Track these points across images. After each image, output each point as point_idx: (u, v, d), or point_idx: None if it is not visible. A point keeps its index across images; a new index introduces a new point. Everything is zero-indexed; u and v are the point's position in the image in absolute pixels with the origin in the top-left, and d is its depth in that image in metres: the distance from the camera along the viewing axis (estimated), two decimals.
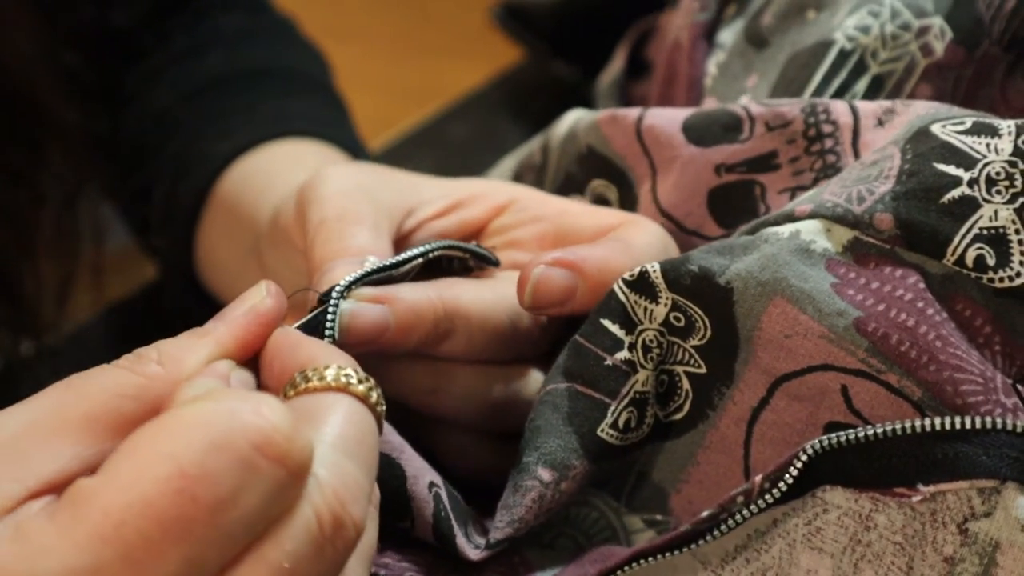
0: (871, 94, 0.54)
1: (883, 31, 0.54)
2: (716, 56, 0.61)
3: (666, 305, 0.48)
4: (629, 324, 0.48)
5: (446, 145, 0.88)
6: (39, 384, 0.68)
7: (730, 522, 0.45)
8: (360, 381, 0.41)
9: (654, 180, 0.54)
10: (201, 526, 0.35)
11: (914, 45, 0.54)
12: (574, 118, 0.58)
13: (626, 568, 0.46)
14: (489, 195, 0.53)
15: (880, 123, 0.51)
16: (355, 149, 0.70)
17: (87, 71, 0.73)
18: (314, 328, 0.46)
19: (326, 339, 0.46)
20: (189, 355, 0.41)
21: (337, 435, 0.39)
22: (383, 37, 1.39)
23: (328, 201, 0.50)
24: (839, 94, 0.54)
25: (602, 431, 0.48)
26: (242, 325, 0.43)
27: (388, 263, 0.48)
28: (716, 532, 0.45)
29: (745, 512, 0.44)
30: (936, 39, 0.53)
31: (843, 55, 0.54)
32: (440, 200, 0.53)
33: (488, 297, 0.49)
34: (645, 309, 0.49)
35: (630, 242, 0.50)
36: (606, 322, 0.48)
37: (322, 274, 0.48)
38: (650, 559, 0.46)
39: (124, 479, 0.35)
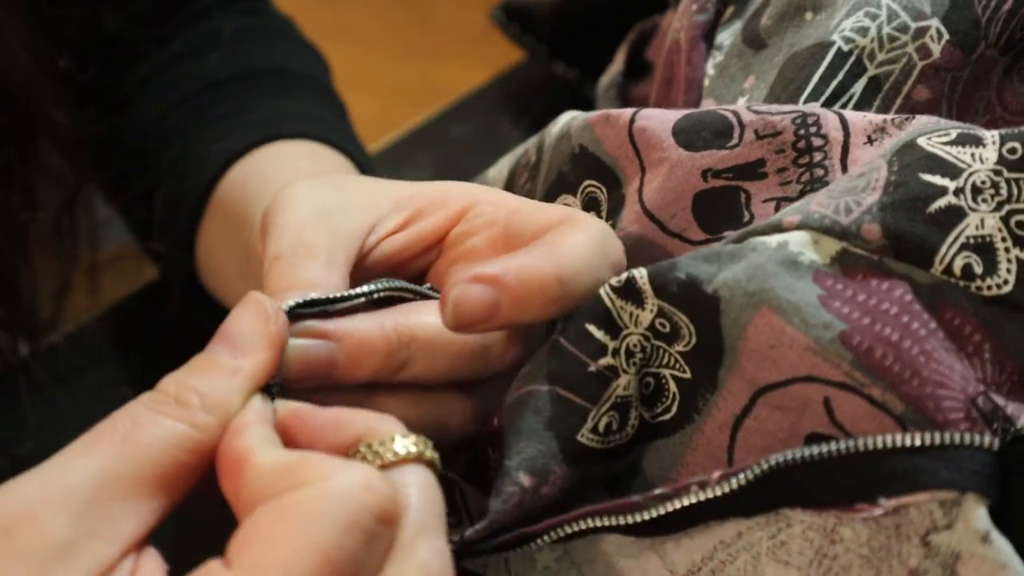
0: (868, 95, 0.54)
1: (880, 33, 0.54)
2: (714, 58, 0.61)
3: (652, 311, 0.48)
4: (614, 329, 0.48)
5: (446, 146, 0.88)
6: (38, 385, 0.68)
7: (676, 502, 0.45)
8: (424, 445, 0.43)
9: (641, 180, 0.54)
10: None
11: (911, 47, 0.54)
12: (568, 117, 0.58)
13: (575, 525, 0.47)
14: (447, 202, 0.53)
15: (870, 141, 0.51)
16: (352, 149, 0.70)
17: (81, 74, 0.73)
18: None
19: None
20: (232, 399, 0.43)
21: (424, 511, 0.41)
22: (383, 38, 1.39)
23: (284, 232, 0.50)
24: (836, 96, 0.54)
25: (582, 436, 0.48)
26: (266, 357, 0.44)
27: (327, 297, 0.48)
28: (662, 508, 0.45)
29: (692, 498, 0.45)
30: (933, 41, 0.54)
31: (840, 56, 0.54)
32: (397, 214, 0.52)
33: None
34: (631, 314, 0.49)
35: (556, 246, 0.48)
36: (591, 327, 0.48)
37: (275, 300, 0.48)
38: (600, 519, 0.47)
39: (274, 571, 0.38)
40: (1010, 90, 0.54)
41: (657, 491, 0.46)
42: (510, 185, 0.61)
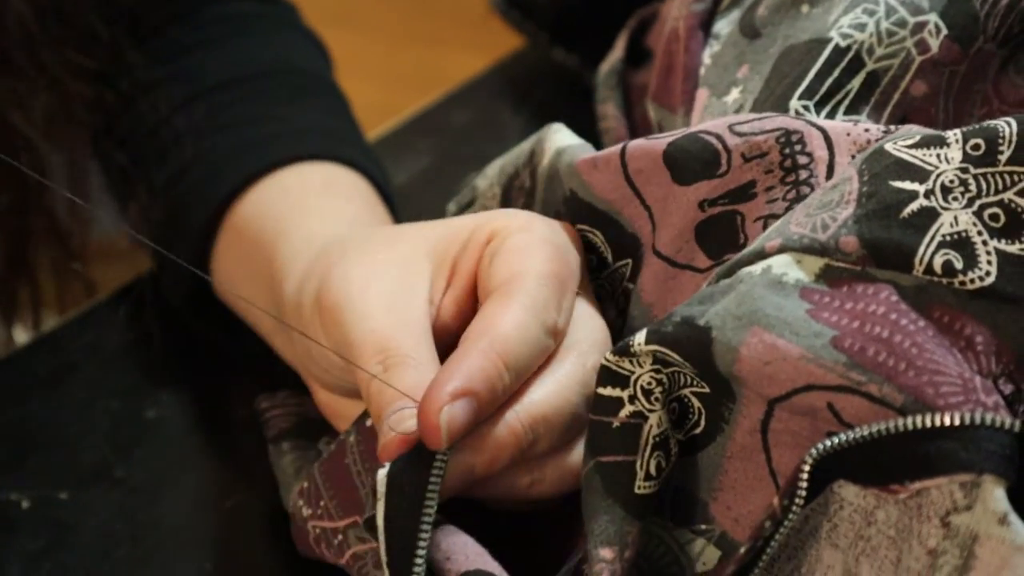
0: (866, 91, 0.54)
1: (879, 28, 0.54)
2: (711, 47, 0.61)
3: (648, 358, 0.49)
4: (621, 380, 0.49)
5: (446, 132, 0.87)
6: (34, 376, 0.68)
7: (768, 549, 0.46)
8: None
9: (653, 223, 0.54)
10: None
11: (910, 42, 0.54)
12: (555, 151, 0.58)
13: None
14: (471, 244, 0.55)
15: (853, 160, 0.51)
16: (365, 163, 0.70)
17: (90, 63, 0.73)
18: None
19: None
20: None
21: None
22: (383, 25, 1.39)
23: (364, 343, 0.53)
24: (833, 92, 0.54)
25: (639, 488, 0.49)
26: None
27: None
28: (760, 563, 0.46)
29: (778, 536, 0.45)
30: (931, 36, 0.54)
31: (838, 52, 0.54)
32: (439, 275, 0.55)
33: (554, 389, 0.52)
34: (631, 360, 0.49)
35: (494, 332, 0.51)
36: (602, 390, 0.49)
37: (387, 416, 0.51)
38: None
39: None
40: (1007, 82, 0.54)
41: (742, 550, 0.46)
42: (506, 206, 0.61)
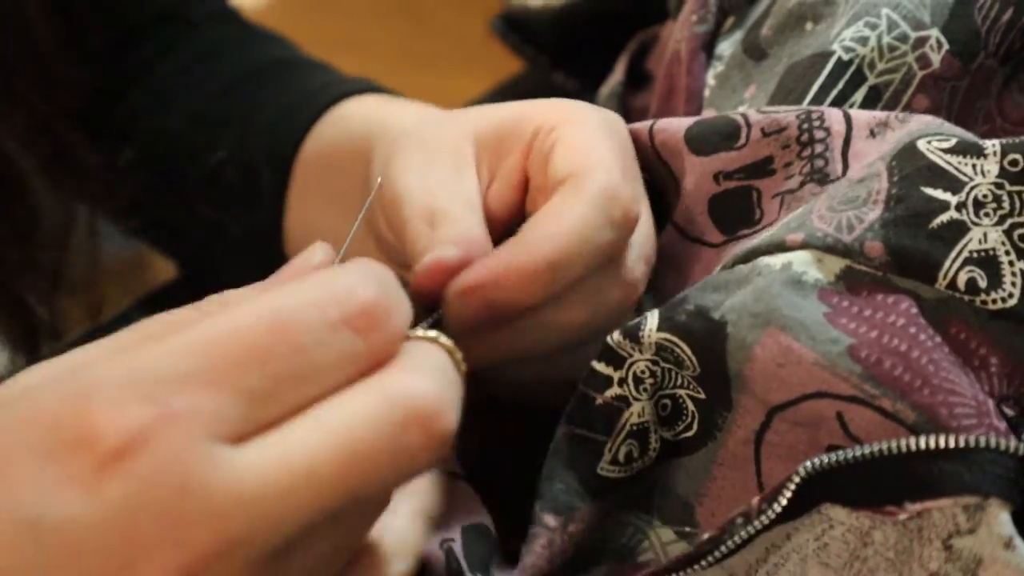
0: (868, 105, 0.54)
1: (880, 42, 0.54)
2: (715, 68, 0.61)
3: (651, 348, 0.49)
4: (617, 360, 0.49)
5: None
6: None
7: (729, 543, 0.45)
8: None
9: (678, 193, 0.54)
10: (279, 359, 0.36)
11: (911, 56, 0.54)
12: None
13: None
14: (518, 133, 0.53)
15: (872, 135, 0.51)
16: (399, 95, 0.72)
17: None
18: None
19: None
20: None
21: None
22: (383, 48, 1.39)
23: (418, 204, 0.50)
24: (836, 104, 0.54)
25: (602, 469, 0.49)
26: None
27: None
28: (717, 553, 0.45)
29: (743, 533, 0.45)
30: (933, 51, 0.54)
31: (841, 66, 0.54)
32: (485, 159, 0.53)
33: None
34: (634, 344, 0.49)
35: (547, 231, 0.47)
36: (596, 364, 0.49)
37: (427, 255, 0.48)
38: None
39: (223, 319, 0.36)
40: (1010, 100, 0.54)
41: (706, 536, 0.46)
42: None
